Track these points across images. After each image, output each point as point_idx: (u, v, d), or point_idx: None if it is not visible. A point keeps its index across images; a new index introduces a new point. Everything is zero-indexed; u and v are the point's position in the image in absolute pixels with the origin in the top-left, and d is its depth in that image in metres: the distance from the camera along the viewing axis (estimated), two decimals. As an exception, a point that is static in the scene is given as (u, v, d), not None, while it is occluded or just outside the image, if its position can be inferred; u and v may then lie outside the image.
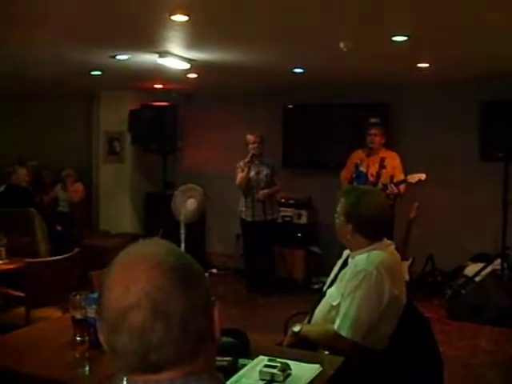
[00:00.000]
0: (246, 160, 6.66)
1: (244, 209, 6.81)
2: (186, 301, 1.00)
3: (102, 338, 1.04)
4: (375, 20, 4.09)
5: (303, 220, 7.39)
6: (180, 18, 3.98)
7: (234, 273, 7.71)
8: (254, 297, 6.65)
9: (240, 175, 6.72)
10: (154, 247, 1.07)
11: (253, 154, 6.63)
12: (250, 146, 6.68)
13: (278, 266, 7.07)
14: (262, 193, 6.67)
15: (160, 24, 4.27)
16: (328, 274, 3.05)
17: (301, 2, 3.69)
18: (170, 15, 3.93)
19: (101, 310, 1.02)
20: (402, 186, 5.92)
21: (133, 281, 0.99)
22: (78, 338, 2.52)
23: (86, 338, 2.49)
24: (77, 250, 4.29)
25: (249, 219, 6.78)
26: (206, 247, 8.28)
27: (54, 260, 4.20)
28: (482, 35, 4.49)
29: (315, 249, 7.38)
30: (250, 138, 6.71)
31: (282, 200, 7.34)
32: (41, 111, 8.98)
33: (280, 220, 7.19)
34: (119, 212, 8.36)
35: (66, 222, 7.70)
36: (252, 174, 6.71)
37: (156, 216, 7.59)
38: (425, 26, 4.23)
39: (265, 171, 6.74)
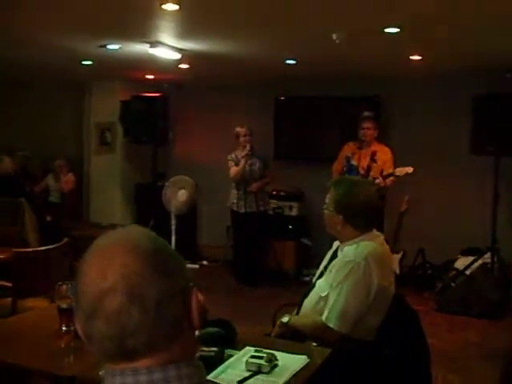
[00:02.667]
0: (244, 153, 6.60)
1: (236, 201, 6.79)
2: (163, 285, 0.99)
3: (78, 327, 1.03)
4: (367, 11, 4.07)
5: (294, 212, 7.39)
6: (171, 7, 3.96)
7: (224, 264, 7.70)
8: (243, 288, 6.65)
9: (235, 168, 6.67)
10: (131, 233, 1.07)
11: (251, 147, 6.61)
12: (242, 138, 6.65)
13: (268, 258, 7.06)
14: (255, 185, 6.66)
15: (150, 13, 4.24)
16: (318, 266, 3.04)
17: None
18: (161, 4, 3.90)
19: (77, 296, 1.01)
20: (389, 180, 5.91)
21: (109, 265, 0.98)
22: (64, 328, 2.50)
23: (72, 328, 2.47)
24: (65, 240, 4.25)
25: (241, 211, 6.76)
26: (196, 239, 8.25)
27: (42, 250, 4.17)
28: (473, 28, 4.48)
29: (306, 241, 7.39)
30: (240, 130, 6.69)
31: (274, 192, 7.33)
32: (32, 101, 8.91)
33: (271, 212, 7.19)
34: (110, 203, 8.32)
35: (57, 212, 7.68)
36: (246, 166, 6.67)
37: (147, 207, 7.56)
38: (417, 18, 4.22)
39: (257, 163, 6.73)
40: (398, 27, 4.43)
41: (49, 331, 2.56)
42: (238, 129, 6.71)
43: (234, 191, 6.80)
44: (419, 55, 5.58)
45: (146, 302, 0.97)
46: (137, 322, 0.96)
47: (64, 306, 2.52)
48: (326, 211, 2.84)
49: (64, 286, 2.56)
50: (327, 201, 2.83)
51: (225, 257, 7.76)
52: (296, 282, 6.75)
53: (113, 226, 7.62)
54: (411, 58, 5.64)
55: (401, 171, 5.82)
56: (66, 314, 2.50)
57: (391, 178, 5.91)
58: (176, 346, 1.02)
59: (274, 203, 7.27)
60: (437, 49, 5.38)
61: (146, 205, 7.70)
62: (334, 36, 4.61)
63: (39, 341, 2.51)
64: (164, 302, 0.99)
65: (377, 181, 5.81)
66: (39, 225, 6.22)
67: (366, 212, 2.76)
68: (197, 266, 7.55)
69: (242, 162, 6.62)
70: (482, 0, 3.75)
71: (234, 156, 6.73)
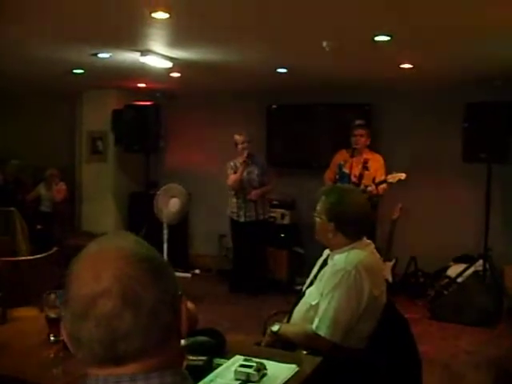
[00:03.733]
0: (242, 160, 6.58)
1: (235, 210, 6.72)
2: (156, 291, 1.00)
3: (64, 331, 1.01)
4: (357, 19, 4.08)
5: (286, 220, 7.37)
6: (161, 15, 3.95)
7: (216, 274, 7.68)
8: (237, 297, 6.62)
9: (233, 176, 6.63)
10: (124, 239, 1.07)
11: (249, 154, 6.58)
12: (240, 146, 6.61)
13: (265, 267, 7.02)
14: (255, 193, 6.59)
15: (141, 22, 4.23)
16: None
17: (284, 0, 3.67)
18: (151, 13, 3.89)
19: (67, 299, 1.00)
20: (381, 187, 5.91)
21: (104, 268, 0.98)
22: (52, 338, 2.48)
23: (61, 338, 2.45)
24: (55, 249, 4.23)
25: (241, 220, 6.70)
26: (189, 248, 8.22)
27: (32, 259, 4.14)
28: (464, 36, 4.50)
29: (298, 249, 7.37)
30: (239, 138, 6.63)
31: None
32: (23, 110, 8.89)
33: (272, 220, 7.15)
34: (102, 212, 8.29)
35: (48, 221, 7.65)
36: (244, 174, 6.65)
37: (139, 216, 7.53)
38: (407, 27, 4.23)
39: (256, 171, 6.67)
40: (389, 35, 4.43)
41: (37, 341, 2.54)
42: (237, 136, 6.65)
43: (234, 200, 6.73)
44: (410, 64, 5.59)
45: (140, 306, 0.97)
46: (129, 326, 0.96)
47: (52, 315, 2.50)
48: (317, 219, 2.84)
49: (52, 295, 2.54)
50: (318, 208, 2.83)
51: (218, 266, 7.74)
52: (289, 290, 6.71)
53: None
54: (402, 66, 5.66)
55: (393, 177, 5.82)
56: (55, 324, 2.48)
57: (383, 185, 5.91)
58: (164, 354, 1.01)
59: (266, 212, 7.26)
60: (427, 58, 5.39)
61: (139, 214, 7.67)
62: (325, 44, 4.62)
63: (27, 351, 2.48)
64: (157, 307, 0.99)
65: (369, 188, 5.82)
66: (30, 234, 6.18)
67: (357, 220, 2.76)
68: (189, 275, 7.52)
69: (240, 169, 6.60)
70: (470, 10, 3.77)
71: (232, 164, 6.70)
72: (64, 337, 1.03)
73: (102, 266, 0.99)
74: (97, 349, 0.96)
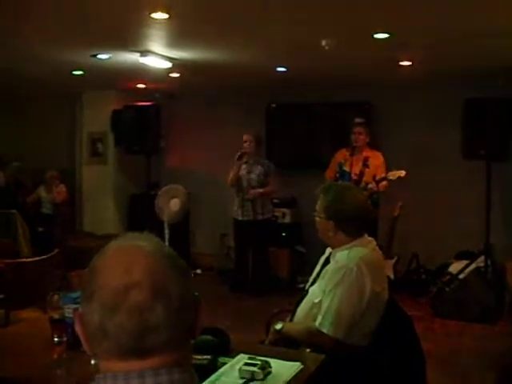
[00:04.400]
0: (236, 158, 6.61)
1: (236, 208, 6.75)
2: (182, 288, 1.02)
3: (84, 325, 1.02)
4: (356, 17, 4.09)
5: (287, 219, 7.38)
6: (160, 15, 3.96)
7: (218, 273, 7.68)
8: (238, 297, 6.62)
9: (230, 174, 6.68)
10: (146, 239, 1.09)
11: (242, 153, 6.58)
12: (244, 145, 6.64)
13: (266, 267, 7.01)
14: (252, 192, 6.59)
15: (140, 22, 4.24)
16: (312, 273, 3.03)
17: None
18: (150, 13, 3.90)
19: (92, 290, 1.00)
20: (381, 184, 5.93)
21: (133, 262, 1.01)
22: (56, 339, 2.48)
23: (64, 339, 2.45)
24: (56, 250, 4.24)
25: (239, 218, 6.72)
26: (190, 247, 8.22)
27: (34, 261, 4.15)
28: (463, 35, 4.51)
29: (300, 248, 7.37)
30: (243, 137, 6.64)
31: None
32: (23, 112, 8.88)
33: (274, 219, 7.11)
34: (103, 213, 8.29)
35: (49, 223, 7.65)
36: (244, 173, 6.66)
37: (140, 217, 7.54)
38: (406, 24, 4.23)
39: (257, 171, 6.66)
40: (388, 33, 4.44)
41: (40, 342, 2.54)
42: (243, 136, 6.66)
43: (236, 198, 6.76)
44: (409, 61, 5.59)
45: (170, 299, 1.00)
46: (159, 318, 0.98)
47: (56, 316, 2.50)
48: (317, 218, 2.83)
49: (56, 297, 2.54)
50: (317, 207, 2.82)
51: (219, 265, 7.74)
52: (291, 289, 6.71)
53: (106, 237, 7.60)
54: (401, 63, 5.66)
55: (393, 175, 5.83)
56: (58, 325, 2.48)
57: (384, 182, 5.92)
58: (183, 351, 1.04)
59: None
60: (426, 54, 5.39)
61: (140, 214, 7.67)
62: (324, 42, 4.62)
63: (31, 352, 2.48)
64: (184, 303, 1.02)
65: (370, 186, 5.83)
66: (31, 236, 6.19)
67: (356, 217, 2.75)
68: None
69: (235, 168, 6.61)
70: (469, 10, 3.78)
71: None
72: (81, 330, 1.03)
73: (132, 260, 1.01)
74: (125, 339, 0.97)
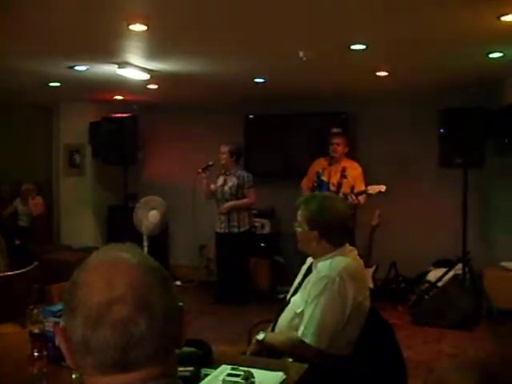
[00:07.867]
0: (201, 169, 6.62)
1: (216, 220, 6.73)
2: (168, 300, 1.02)
3: (66, 339, 1.00)
4: (333, 29, 4.12)
5: (266, 230, 7.38)
6: (139, 27, 3.96)
7: (199, 285, 7.65)
8: (219, 308, 6.59)
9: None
10: (129, 250, 1.08)
11: (207, 165, 6.58)
12: (222, 156, 6.62)
13: (244, 278, 7.00)
14: (224, 206, 6.55)
15: (118, 34, 4.23)
16: (292, 283, 3.04)
17: (260, 11, 3.69)
18: (129, 25, 3.90)
19: (75, 305, 0.99)
20: (361, 197, 5.96)
21: (116, 276, 0.99)
22: (36, 353, 2.44)
23: (44, 353, 2.42)
24: (35, 263, 4.18)
25: (217, 230, 6.71)
26: (169, 259, 8.18)
27: (10, 275, 4.08)
28: (438, 46, 4.58)
29: (279, 258, 7.38)
30: (221, 149, 6.61)
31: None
32: (-1, 124, 8.81)
33: (253, 230, 7.07)
34: (81, 226, 8.21)
35: (26, 236, 7.57)
36: (219, 184, 6.65)
37: (119, 229, 7.49)
38: (382, 35, 4.29)
39: (230, 183, 6.61)
40: (365, 44, 4.49)
41: (20, 357, 2.50)
42: (221, 147, 6.63)
43: (216, 211, 6.75)
44: (386, 71, 5.65)
45: (154, 313, 0.99)
46: (143, 332, 0.97)
47: (36, 330, 2.47)
48: (298, 229, 2.84)
49: (35, 310, 2.50)
50: (299, 218, 2.83)
51: (199, 277, 7.71)
52: (271, 299, 6.70)
53: (84, 249, 7.53)
54: (378, 74, 5.72)
55: (373, 189, 5.86)
56: (38, 339, 2.45)
57: (363, 194, 5.95)
58: (168, 362, 1.03)
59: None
60: (402, 65, 5.46)
61: (118, 226, 7.62)
62: (301, 53, 4.66)
63: (11, 367, 2.45)
64: (168, 315, 1.01)
65: (349, 199, 5.85)
66: (8, 249, 6.09)
67: (339, 226, 2.77)
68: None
69: (204, 181, 6.60)
70: (443, 22, 3.84)
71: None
72: (64, 345, 1.02)
73: (114, 273, 0.99)
74: (109, 354, 0.96)
